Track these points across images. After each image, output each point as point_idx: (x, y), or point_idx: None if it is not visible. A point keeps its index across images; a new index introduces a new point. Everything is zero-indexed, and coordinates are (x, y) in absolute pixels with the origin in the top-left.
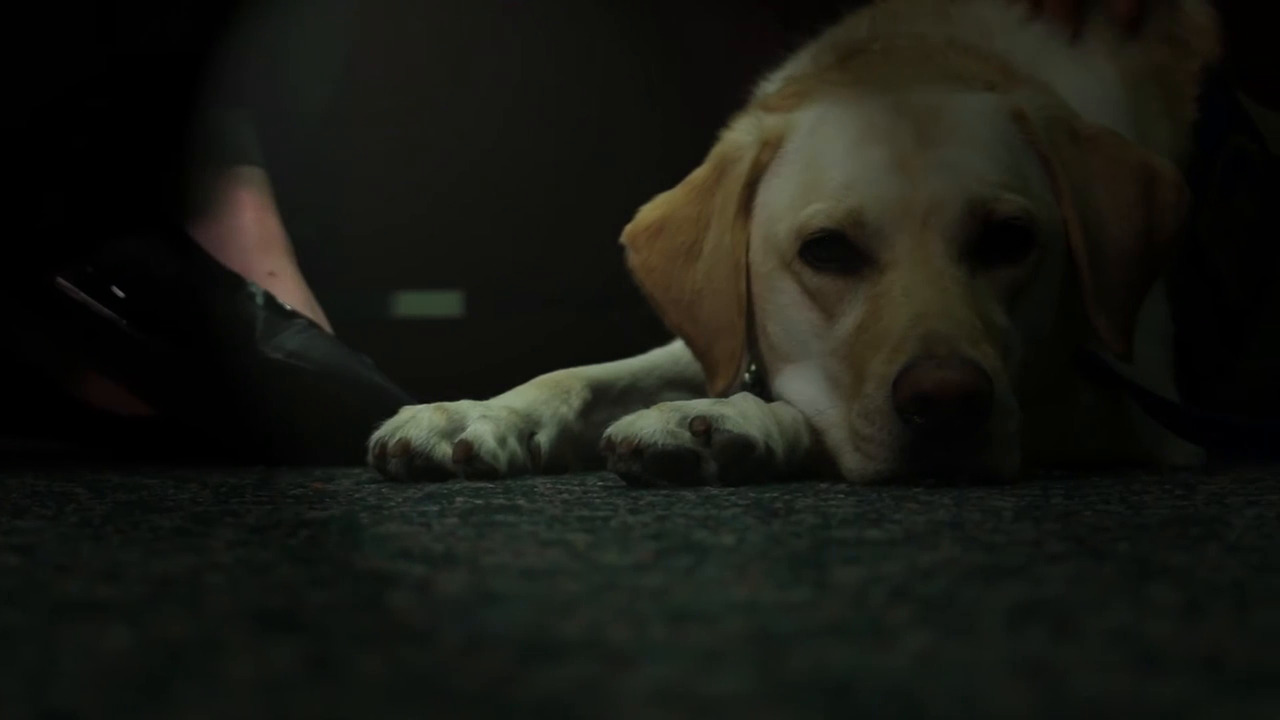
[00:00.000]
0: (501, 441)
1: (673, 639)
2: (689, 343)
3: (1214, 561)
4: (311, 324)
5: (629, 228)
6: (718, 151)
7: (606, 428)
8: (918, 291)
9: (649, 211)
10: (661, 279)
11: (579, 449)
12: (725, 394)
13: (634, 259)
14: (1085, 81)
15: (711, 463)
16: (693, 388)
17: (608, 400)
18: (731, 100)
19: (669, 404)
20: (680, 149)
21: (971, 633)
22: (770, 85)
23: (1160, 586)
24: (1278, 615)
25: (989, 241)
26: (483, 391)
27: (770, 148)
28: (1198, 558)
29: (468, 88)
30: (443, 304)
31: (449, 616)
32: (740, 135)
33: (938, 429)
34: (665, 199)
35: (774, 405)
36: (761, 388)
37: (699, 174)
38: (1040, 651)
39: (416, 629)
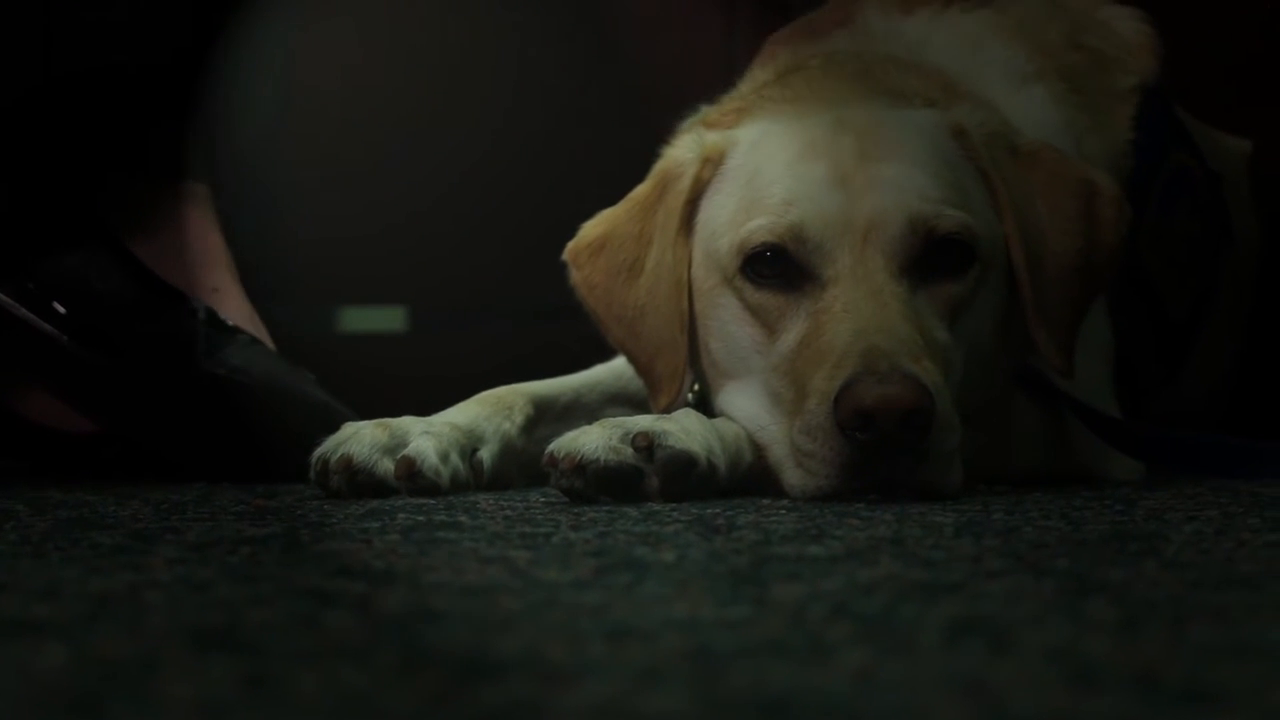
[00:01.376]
0: (444, 458)
1: (611, 657)
2: (631, 359)
3: (1152, 577)
4: (254, 340)
5: (571, 244)
6: (659, 168)
7: (549, 444)
8: (859, 307)
9: (591, 228)
10: (604, 296)
11: (522, 465)
12: (668, 410)
13: (576, 276)
14: (1024, 99)
15: (654, 478)
16: (635, 404)
17: (551, 416)
18: (677, 116)
19: (612, 420)
20: (625, 164)
21: (909, 650)
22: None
23: (1098, 603)
24: (1214, 631)
25: (930, 257)
26: (427, 407)
27: (711, 164)
28: (1136, 574)
29: (410, 104)
30: (387, 319)
31: (387, 634)
32: (681, 152)
33: (879, 445)
34: (607, 216)
35: (716, 421)
36: (705, 404)
37: (641, 191)
38: (977, 668)
39: (355, 647)
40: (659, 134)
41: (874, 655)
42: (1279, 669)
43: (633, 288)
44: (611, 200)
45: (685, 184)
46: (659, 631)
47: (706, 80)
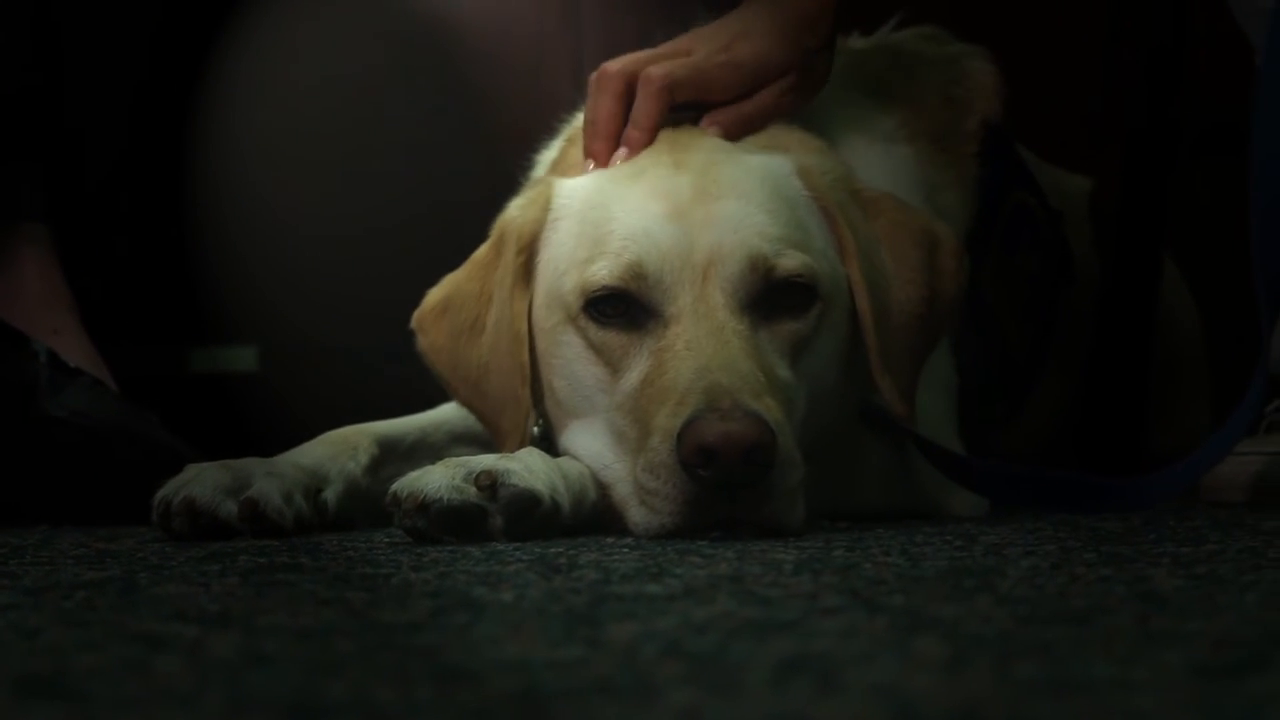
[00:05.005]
0: (288, 498)
1: (439, 699)
2: (480, 417)
3: (984, 613)
4: (96, 382)
5: (417, 312)
6: (497, 226)
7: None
8: (701, 345)
9: (434, 293)
10: (448, 358)
11: (367, 505)
12: None
13: (423, 341)
14: (868, 141)
15: (497, 517)
16: (482, 443)
17: (396, 456)
18: (526, 157)
19: (455, 459)
20: (474, 207)
21: (736, 689)
22: (553, 147)
23: (928, 639)
24: (1039, 667)
25: (771, 295)
26: (280, 448)
27: (543, 209)
28: (968, 610)
29: (262, 140)
30: (237, 359)
31: (215, 679)
32: (515, 206)
33: (722, 482)
34: (450, 279)
35: (560, 460)
36: (550, 443)
37: (480, 251)
38: (801, 707)
39: (182, 692)
40: (509, 173)
41: (701, 695)
42: (1099, 705)
43: (475, 346)
44: (461, 238)
45: (518, 238)
46: (489, 673)
47: (555, 119)
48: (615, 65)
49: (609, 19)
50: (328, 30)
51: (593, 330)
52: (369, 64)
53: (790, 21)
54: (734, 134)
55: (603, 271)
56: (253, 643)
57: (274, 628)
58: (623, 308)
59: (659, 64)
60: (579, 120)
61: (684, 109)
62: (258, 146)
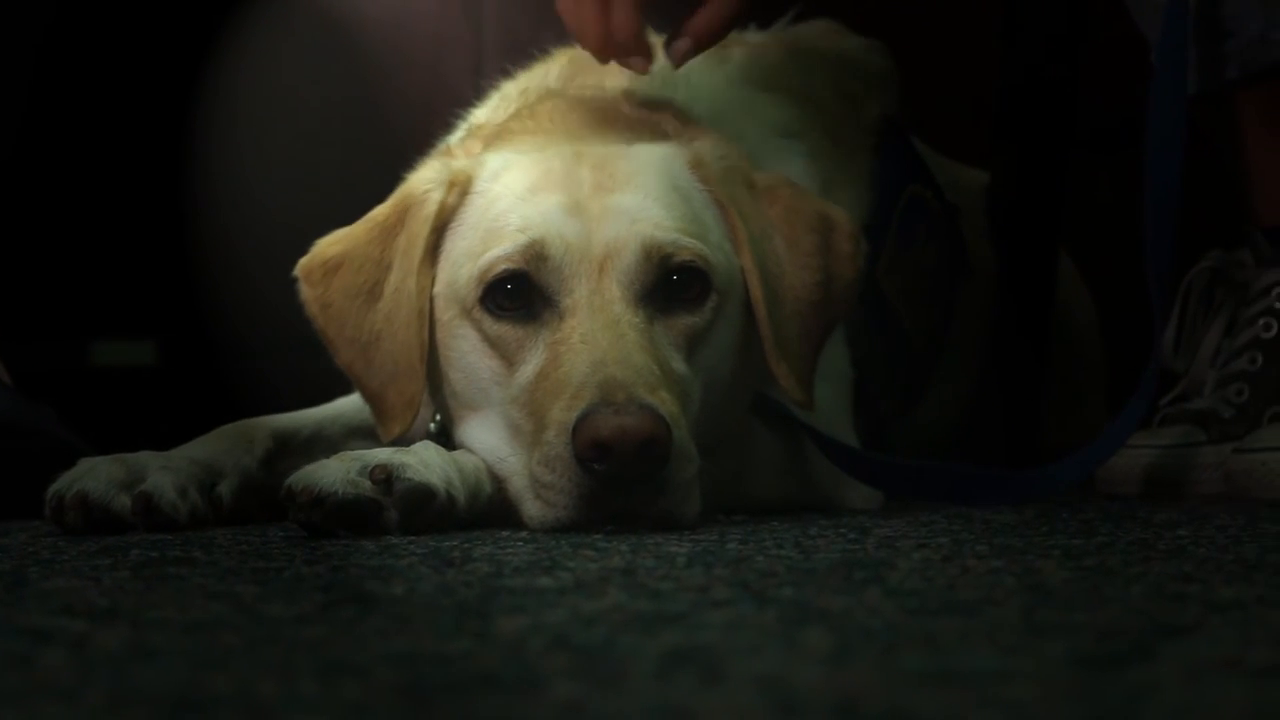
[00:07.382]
0: (182, 492)
1: (322, 693)
2: (360, 385)
3: (872, 605)
4: None
5: (305, 260)
6: (403, 191)
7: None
8: (596, 338)
9: (327, 246)
10: (337, 316)
11: (262, 499)
12: (401, 440)
13: (308, 293)
14: (763, 135)
15: (392, 511)
16: (378, 436)
17: (292, 449)
18: (422, 148)
19: (350, 453)
20: (373, 200)
21: (620, 681)
22: (457, 133)
23: (815, 631)
24: (922, 658)
25: (667, 288)
26: (179, 442)
27: (458, 190)
28: (857, 601)
29: (159, 135)
30: (137, 353)
31: (99, 673)
32: (427, 177)
33: (617, 475)
34: (345, 234)
35: (456, 453)
36: (447, 437)
37: (381, 211)
38: (685, 699)
39: (64, 686)
40: (405, 166)
41: (584, 687)
42: (979, 695)
43: (370, 312)
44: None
45: (430, 210)
46: (374, 666)
47: (453, 113)
48: None
49: (509, 16)
50: (236, 25)
51: (488, 323)
52: (271, 59)
53: None
54: (706, 42)
55: (501, 259)
56: (139, 637)
57: (162, 622)
58: (521, 301)
59: None
60: (476, 115)
61: None
62: (160, 139)
